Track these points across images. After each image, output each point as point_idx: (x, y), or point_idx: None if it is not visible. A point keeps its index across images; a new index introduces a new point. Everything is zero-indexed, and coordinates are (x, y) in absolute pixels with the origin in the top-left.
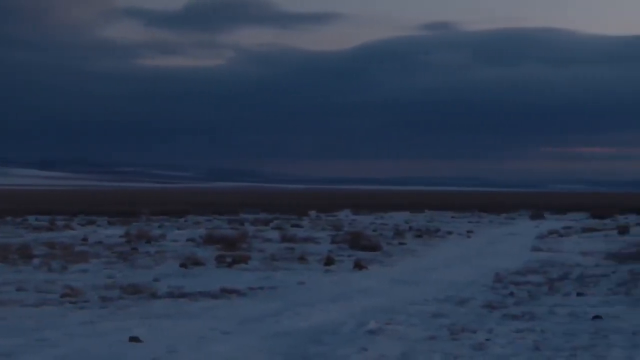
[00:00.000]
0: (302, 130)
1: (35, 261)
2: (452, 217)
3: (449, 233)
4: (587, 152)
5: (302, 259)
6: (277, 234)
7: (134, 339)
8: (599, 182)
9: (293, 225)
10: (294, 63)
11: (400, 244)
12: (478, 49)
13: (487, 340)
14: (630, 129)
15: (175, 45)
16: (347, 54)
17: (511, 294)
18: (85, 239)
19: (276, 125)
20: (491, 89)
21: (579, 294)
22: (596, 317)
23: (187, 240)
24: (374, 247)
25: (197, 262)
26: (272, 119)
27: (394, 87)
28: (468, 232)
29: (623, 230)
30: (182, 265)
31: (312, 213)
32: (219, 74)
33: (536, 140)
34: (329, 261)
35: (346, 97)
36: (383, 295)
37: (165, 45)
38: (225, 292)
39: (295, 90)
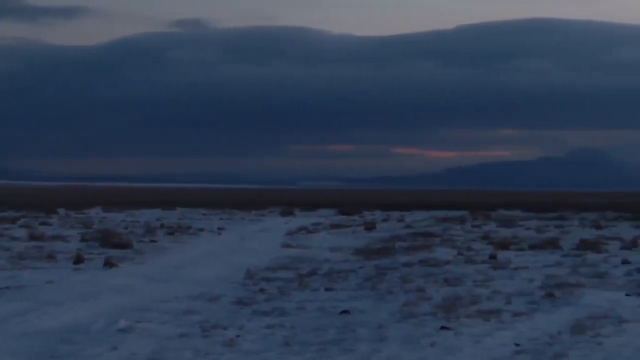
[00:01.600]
0: (50, 126)
1: None
2: (204, 214)
3: (201, 230)
4: (336, 149)
5: (50, 257)
6: (25, 232)
7: None
8: (347, 179)
9: (41, 224)
10: (40, 58)
11: (152, 241)
12: (228, 47)
13: (237, 336)
14: (375, 127)
15: None
16: (97, 50)
17: (262, 290)
18: None
19: (22, 121)
20: (242, 86)
21: (327, 289)
22: (344, 311)
23: None
24: (125, 245)
25: None
26: (16, 114)
27: (145, 84)
28: (219, 229)
29: (370, 226)
30: None
31: (61, 211)
32: None
33: (286, 137)
34: (78, 259)
35: (96, 93)
36: (134, 293)
37: None
38: None
39: (42, 85)
